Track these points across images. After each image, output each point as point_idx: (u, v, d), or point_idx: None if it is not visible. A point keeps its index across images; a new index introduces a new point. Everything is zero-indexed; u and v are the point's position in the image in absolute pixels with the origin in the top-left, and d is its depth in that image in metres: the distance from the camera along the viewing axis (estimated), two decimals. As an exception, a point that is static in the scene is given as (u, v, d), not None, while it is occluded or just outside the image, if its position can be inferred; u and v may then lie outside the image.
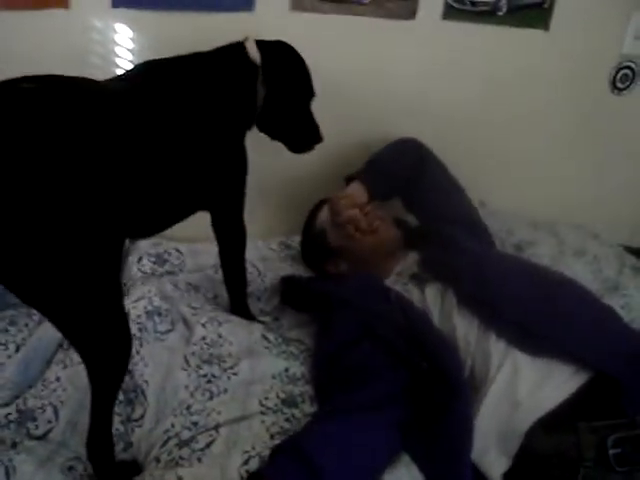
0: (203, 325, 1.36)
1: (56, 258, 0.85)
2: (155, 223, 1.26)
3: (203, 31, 1.54)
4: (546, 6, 1.87)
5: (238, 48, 1.33)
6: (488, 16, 1.84)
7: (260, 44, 1.34)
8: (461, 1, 1.80)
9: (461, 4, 1.80)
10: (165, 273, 1.59)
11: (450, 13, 1.80)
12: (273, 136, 1.45)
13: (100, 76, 1.20)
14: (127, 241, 1.62)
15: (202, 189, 1.28)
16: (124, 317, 0.99)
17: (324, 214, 1.58)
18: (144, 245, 1.63)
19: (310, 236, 1.64)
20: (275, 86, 1.34)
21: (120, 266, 1.03)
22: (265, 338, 1.37)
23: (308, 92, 1.44)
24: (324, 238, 1.56)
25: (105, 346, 0.96)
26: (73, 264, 0.87)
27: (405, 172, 1.62)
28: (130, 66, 1.62)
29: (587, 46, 1.95)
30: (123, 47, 1.64)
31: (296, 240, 1.79)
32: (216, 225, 1.39)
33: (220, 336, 1.34)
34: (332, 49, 1.66)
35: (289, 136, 1.46)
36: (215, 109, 1.23)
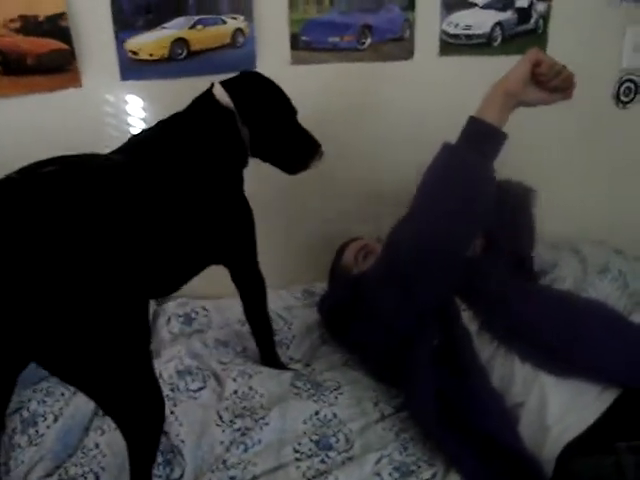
0: (234, 379, 1.38)
1: (83, 332, 0.87)
2: (171, 281, 1.30)
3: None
4: (540, 31, 1.91)
5: (208, 98, 1.34)
6: (484, 47, 1.88)
7: (227, 84, 1.35)
8: (456, 36, 1.85)
9: (456, 39, 1.85)
10: (194, 332, 1.63)
11: (446, 49, 1.85)
12: (271, 162, 1.44)
13: (116, 146, 1.26)
14: (154, 304, 1.67)
15: (211, 243, 1.31)
16: (155, 382, 1.01)
17: (347, 258, 1.61)
18: (171, 306, 1.68)
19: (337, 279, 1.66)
20: (255, 121, 1.34)
21: (148, 331, 1.05)
22: (294, 386, 1.38)
23: (289, 111, 1.42)
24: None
25: (139, 413, 0.98)
26: (101, 336, 0.89)
27: None
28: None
29: (586, 64, 1.95)
30: (135, 117, 1.71)
31: (318, 286, 1.81)
32: (234, 277, 1.42)
33: (251, 388, 1.36)
34: (334, 97, 1.71)
35: (286, 158, 1.44)
36: (206, 163, 1.26)
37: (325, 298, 1.66)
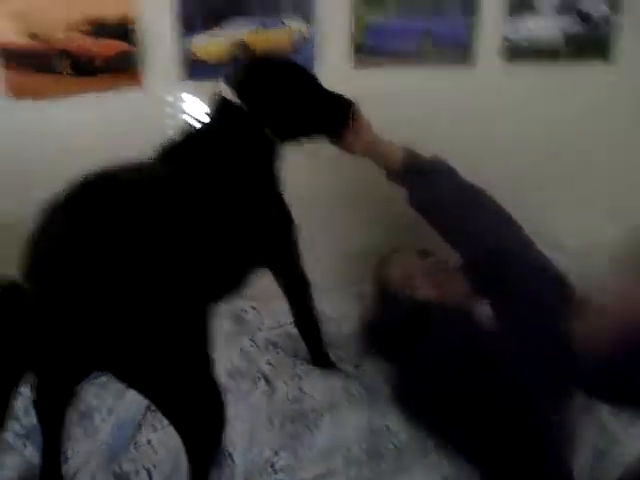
0: (284, 382, 1.39)
1: (147, 339, 0.89)
2: (220, 289, 1.30)
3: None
4: (605, 37, 1.85)
5: (221, 100, 1.29)
6: (548, 54, 1.83)
7: (234, 81, 1.29)
8: (519, 43, 1.81)
9: (519, 45, 1.81)
10: (243, 332, 1.64)
11: (509, 55, 1.81)
12: (308, 137, 1.39)
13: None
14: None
15: (252, 246, 1.29)
16: (217, 387, 1.02)
17: (395, 273, 1.56)
18: (222, 306, 1.68)
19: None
20: (272, 112, 1.29)
21: (208, 335, 1.05)
22: (346, 390, 1.38)
23: (306, 83, 1.35)
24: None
25: (199, 419, 0.99)
26: (162, 341, 0.91)
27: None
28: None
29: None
30: (194, 118, 1.73)
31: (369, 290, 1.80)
32: (277, 278, 1.42)
33: (301, 391, 1.37)
34: (394, 102, 1.69)
35: (322, 127, 1.40)
36: (234, 165, 1.24)
37: (372, 310, 1.63)
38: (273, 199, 1.35)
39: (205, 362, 0.99)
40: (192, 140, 1.28)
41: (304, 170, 1.71)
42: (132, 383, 0.96)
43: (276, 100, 1.30)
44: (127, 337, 0.87)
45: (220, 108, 1.30)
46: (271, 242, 1.35)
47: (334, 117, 1.39)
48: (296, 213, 1.38)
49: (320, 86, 1.37)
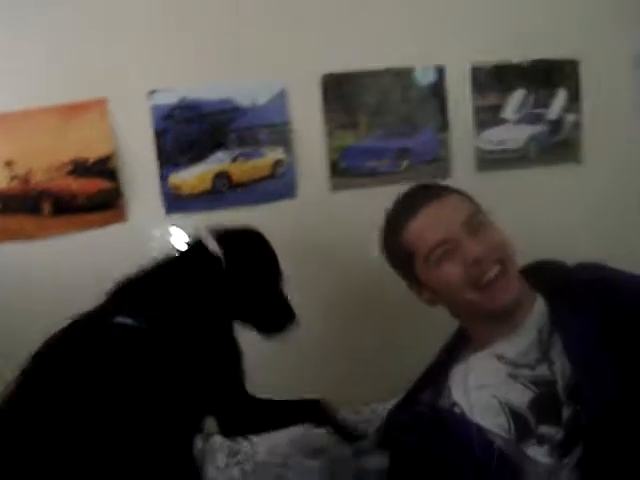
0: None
1: None
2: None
3: (251, 223, 1.64)
4: (574, 141, 1.92)
5: (200, 247, 1.31)
6: (520, 160, 1.89)
7: (223, 237, 1.32)
8: (491, 152, 1.87)
9: (492, 154, 1.87)
10: (237, 463, 1.57)
11: (483, 165, 1.87)
12: (244, 321, 1.36)
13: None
14: (202, 442, 1.62)
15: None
16: None
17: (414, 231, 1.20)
18: (218, 440, 1.62)
19: (392, 247, 1.28)
20: (240, 280, 1.30)
21: None
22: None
23: (275, 276, 1.37)
24: (410, 265, 1.20)
25: None
26: None
27: None
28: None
29: (622, 169, 1.96)
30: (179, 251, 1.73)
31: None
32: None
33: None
34: (375, 221, 1.70)
35: (262, 322, 1.38)
36: (199, 314, 1.24)
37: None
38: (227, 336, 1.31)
39: None
40: (159, 280, 1.30)
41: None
42: None
43: (251, 276, 1.32)
44: None
45: (197, 254, 1.31)
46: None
47: (276, 322, 1.38)
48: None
49: (281, 286, 1.38)
